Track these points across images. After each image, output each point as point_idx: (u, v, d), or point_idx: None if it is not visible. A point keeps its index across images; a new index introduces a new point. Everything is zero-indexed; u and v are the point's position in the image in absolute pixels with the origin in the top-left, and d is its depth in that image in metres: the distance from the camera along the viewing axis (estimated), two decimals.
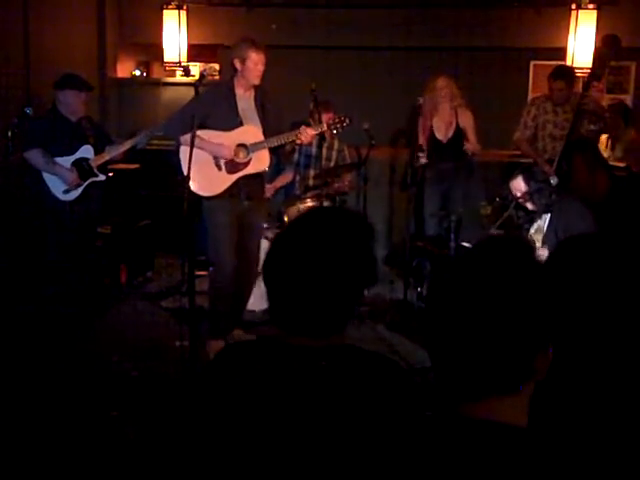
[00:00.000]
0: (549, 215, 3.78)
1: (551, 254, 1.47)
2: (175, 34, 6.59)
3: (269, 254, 1.42)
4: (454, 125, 5.21)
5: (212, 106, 3.98)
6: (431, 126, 5.24)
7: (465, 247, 4.08)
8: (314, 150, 5.32)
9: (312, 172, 5.39)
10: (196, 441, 1.45)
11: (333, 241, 1.36)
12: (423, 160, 5.13)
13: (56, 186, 4.59)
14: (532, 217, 3.91)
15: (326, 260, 1.34)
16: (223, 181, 4.11)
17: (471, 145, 5.19)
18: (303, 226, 1.43)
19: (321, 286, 1.34)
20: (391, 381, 1.36)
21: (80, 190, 4.63)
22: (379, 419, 1.29)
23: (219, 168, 4.10)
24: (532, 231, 3.87)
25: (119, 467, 3.00)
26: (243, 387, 1.38)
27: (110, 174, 5.15)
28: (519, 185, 3.82)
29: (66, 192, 4.59)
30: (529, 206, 3.84)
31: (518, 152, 5.93)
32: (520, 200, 3.82)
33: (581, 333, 1.31)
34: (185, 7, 6.61)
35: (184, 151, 4.09)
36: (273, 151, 4.23)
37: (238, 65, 4.04)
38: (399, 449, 1.14)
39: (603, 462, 1.19)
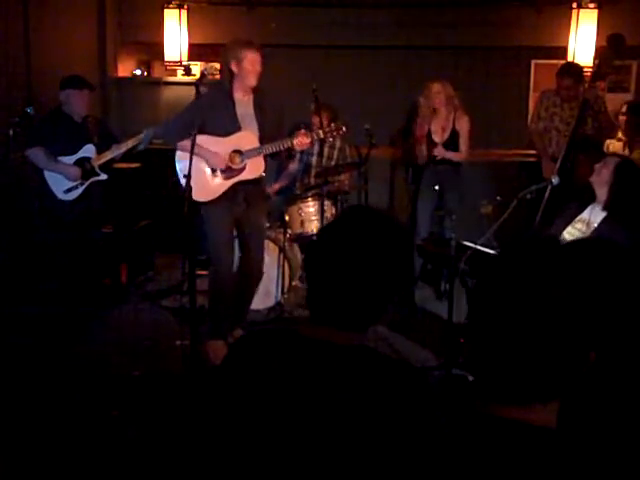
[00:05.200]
0: (603, 216, 3.56)
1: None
2: (176, 33, 6.60)
3: (312, 245, 1.49)
4: (450, 128, 5.22)
5: (210, 111, 3.94)
6: (429, 129, 5.26)
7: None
8: (315, 149, 5.33)
9: (313, 171, 5.39)
10: (206, 432, 1.45)
11: (375, 241, 1.41)
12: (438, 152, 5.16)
13: (57, 185, 4.60)
14: (584, 204, 3.69)
15: (365, 257, 1.39)
16: (218, 186, 4.11)
17: (456, 155, 5.19)
18: (348, 223, 1.48)
19: (355, 280, 1.38)
20: (408, 387, 1.36)
21: (81, 190, 4.64)
22: (392, 420, 1.29)
23: (214, 174, 4.10)
24: (577, 218, 3.68)
25: (120, 467, 3.00)
26: (259, 378, 1.38)
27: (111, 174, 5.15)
28: (608, 169, 3.54)
29: (67, 192, 4.60)
30: (598, 191, 3.58)
31: (520, 151, 5.95)
32: (595, 180, 3.58)
33: (616, 337, 1.29)
34: (186, 6, 6.62)
35: (180, 156, 4.11)
36: (272, 156, 4.23)
37: (235, 67, 3.97)
38: (413, 452, 1.14)
39: (634, 464, 1.17)
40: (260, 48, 4.01)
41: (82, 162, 4.66)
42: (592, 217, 3.64)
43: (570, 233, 3.69)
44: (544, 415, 1.06)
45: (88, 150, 4.69)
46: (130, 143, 4.74)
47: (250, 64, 3.95)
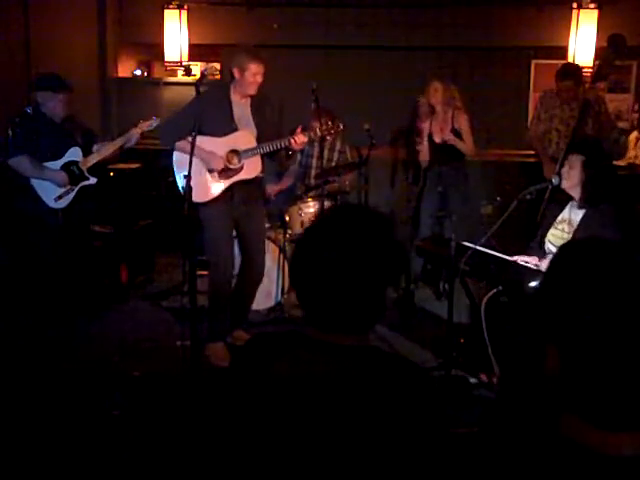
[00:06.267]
0: (582, 213, 3.57)
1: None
2: (176, 34, 6.60)
3: (295, 254, 1.44)
4: (449, 127, 5.22)
5: (207, 112, 3.93)
6: (430, 129, 5.27)
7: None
8: (315, 150, 5.32)
9: (313, 172, 5.39)
10: (217, 434, 1.44)
11: (360, 238, 1.36)
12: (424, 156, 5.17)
13: (47, 193, 4.40)
14: (561, 207, 3.70)
15: (353, 257, 1.34)
16: (216, 187, 4.10)
17: (463, 144, 5.18)
18: (329, 224, 1.43)
19: (348, 283, 1.34)
20: (414, 385, 1.35)
21: (72, 196, 4.46)
22: (403, 418, 1.29)
23: (212, 174, 4.10)
24: (558, 219, 3.71)
25: (120, 467, 3.01)
26: (269, 381, 1.37)
27: (111, 174, 5.13)
28: (577, 169, 3.55)
29: (58, 199, 4.42)
30: (572, 192, 3.60)
31: (522, 151, 5.94)
32: (567, 186, 3.58)
33: None
34: (186, 7, 6.62)
35: (178, 157, 4.10)
36: (271, 156, 4.23)
37: (237, 74, 4.00)
38: (423, 449, 1.12)
39: None
40: (264, 60, 4.00)
41: (69, 166, 4.46)
42: (572, 216, 3.65)
43: (554, 235, 3.70)
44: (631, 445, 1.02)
45: (74, 153, 4.49)
46: (117, 143, 4.62)
47: (252, 76, 3.98)
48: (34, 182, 4.39)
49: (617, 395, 1.00)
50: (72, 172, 4.48)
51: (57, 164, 4.45)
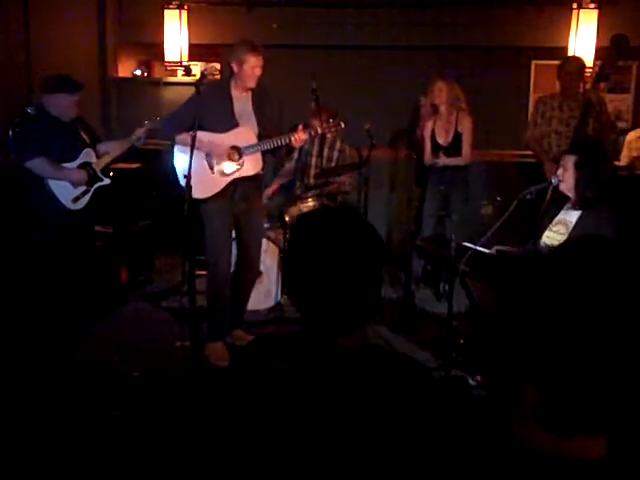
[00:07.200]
0: (578, 215, 3.55)
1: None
2: (176, 33, 6.60)
3: (285, 264, 1.46)
4: (453, 129, 5.21)
5: (208, 107, 3.94)
6: (433, 129, 5.26)
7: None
8: (315, 149, 5.32)
9: (312, 171, 5.39)
10: (224, 435, 1.44)
11: (339, 239, 1.39)
12: (441, 161, 5.17)
13: (64, 195, 4.36)
14: (557, 208, 3.68)
15: (337, 261, 1.37)
16: (216, 183, 4.10)
17: (459, 160, 5.17)
18: (308, 232, 1.46)
19: (335, 283, 1.37)
20: (415, 382, 1.37)
21: (88, 197, 4.44)
22: (401, 417, 1.30)
23: (212, 170, 4.10)
24: (554, 221, 3.69)
25: (120, 467, 3.00)
26: (269, 381, 1.38)
27: (111, 174, 5.11)
28: (570, 170, 3.52)
29: (75, 200, 4.39)
30: (569, 194, 3.57)
31: (522, 152, 5.94)
32: (564, 188, 3.56)
33: None
34: (186, 7, 6.62)
35: (179, 151, 4.10)
36: (272, 153, 4.23)
37: (236, 68, 4.02)
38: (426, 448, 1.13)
39: None
40: (263, 52, 4.02)
41: (84, 168, 4.44)
42: (567, 217, 3.64)
43: (549, 237, 3.69)
44: (593, 449, 1.01)
45: (88, 154, 4.48)
46: (127, 142, 4.62)
47: (250, 68, 3.99)
48: (51, 183, 4.35)
49: (572, 399, 1.00)
50: (88, 173, 4.46)
51: (73, 165, 4.43)
